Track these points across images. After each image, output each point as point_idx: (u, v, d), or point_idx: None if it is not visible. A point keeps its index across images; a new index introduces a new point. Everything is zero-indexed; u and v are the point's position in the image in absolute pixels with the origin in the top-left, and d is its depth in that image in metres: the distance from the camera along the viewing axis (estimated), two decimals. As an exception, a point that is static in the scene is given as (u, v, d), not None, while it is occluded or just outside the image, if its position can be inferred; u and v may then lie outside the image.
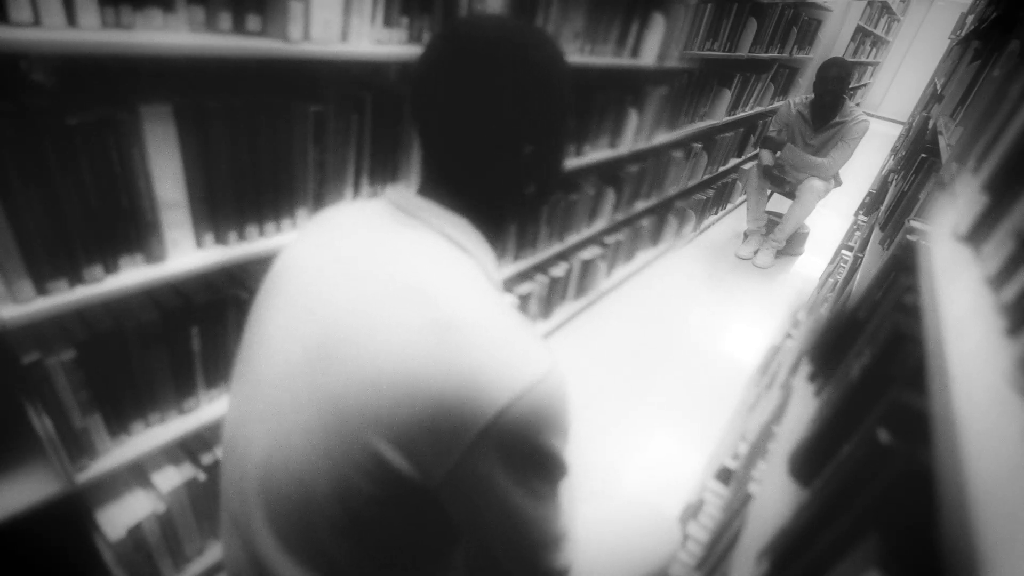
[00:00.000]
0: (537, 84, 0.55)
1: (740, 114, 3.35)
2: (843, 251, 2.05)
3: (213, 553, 1.11)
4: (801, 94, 3.34)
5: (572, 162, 1.82)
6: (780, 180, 3.08)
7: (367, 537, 0.52)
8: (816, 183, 2.96)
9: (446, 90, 0.53)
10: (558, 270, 2.09)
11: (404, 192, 0.60)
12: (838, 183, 3.18)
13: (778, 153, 3.22)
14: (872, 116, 10.64)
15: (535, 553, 0.55)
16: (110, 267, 0.78)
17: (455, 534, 0.58)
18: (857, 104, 9.08)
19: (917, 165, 1.35)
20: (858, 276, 1.24)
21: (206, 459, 1.03)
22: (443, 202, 0.59)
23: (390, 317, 0.49)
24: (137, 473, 0.99)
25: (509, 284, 1.90)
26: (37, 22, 0.63)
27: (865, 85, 9.20)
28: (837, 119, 2.91)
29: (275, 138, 0.90)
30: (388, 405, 0.47)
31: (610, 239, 2.44)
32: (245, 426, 0.58)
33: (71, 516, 0.90)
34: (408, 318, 0.48)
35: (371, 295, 0.51)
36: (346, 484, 0.50)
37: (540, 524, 0.54)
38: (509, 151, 0.57)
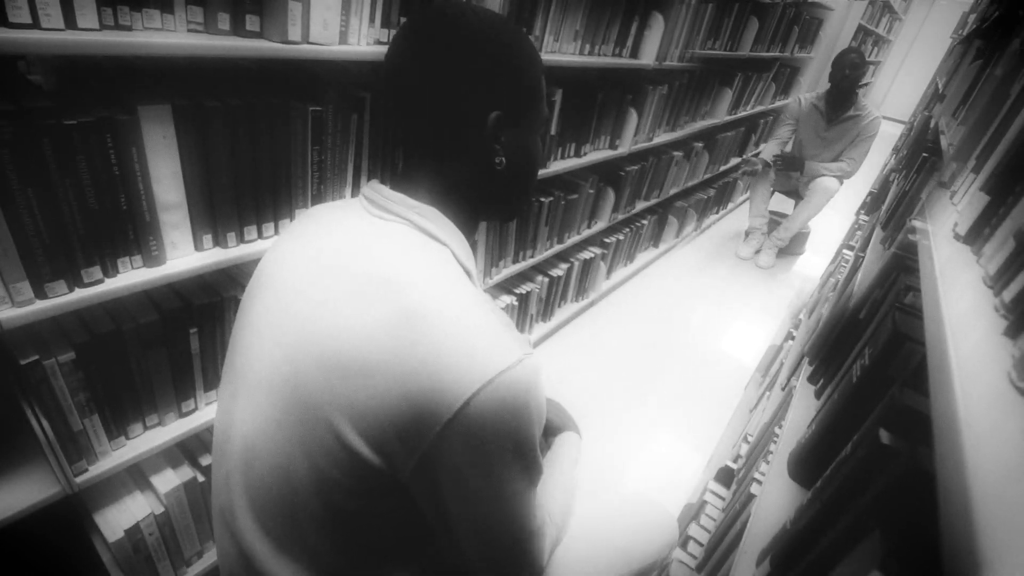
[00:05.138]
0: (489, 49, 0.56)
1: (741, 113, 3.35)
2: (844, 251, 2.04)
3: (211, 556, 1.11)
4: (808, 91, 3.33)
5: (572, 162, 1.81)
6: (793, 164, 3.05)
7: (348, 528, 0.53)
8: (831, 183, 2.95)
9: (404, 70, 0.56)
10: (558, 270, 2.08)
11: (377, 187, 0.61)
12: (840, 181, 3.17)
13: (786, 148, 3.20)
14: (873, 115, 10.59)
15: (505, 547, 0.55)
16: (109, 269, 0.78)
17: (432, 533, 0.58)
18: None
19: (919, 164, 1.35)
20: (859, 276, 1.24)
21: (205, 461, 1.03)
22: (414, 193, 0.60)
23: (357, 309, 0.49)
24: (135, 474, 0.99)
25: (509, 284, 1.90)
26: (36, 23, 0.63)
27: (867, 84, 9.18)
28: (851, 112, 2.91)
29: (274, 139, 0.90)
30: (355, 395, 0.47)
31: (610, 239, 2.44)
32: (230, 424, 0.59)
33: (69, 517, 0.90)
34: (375, 309, 0.49)
35: (341, 290, 0.52)
36: (322, 476, 0.50)
37: (510, 518, 0.54)
38: (473, 118, 0.57)
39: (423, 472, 0.48)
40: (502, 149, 0.60)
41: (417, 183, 0.60)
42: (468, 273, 0.59)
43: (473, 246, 0.66)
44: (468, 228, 0.64)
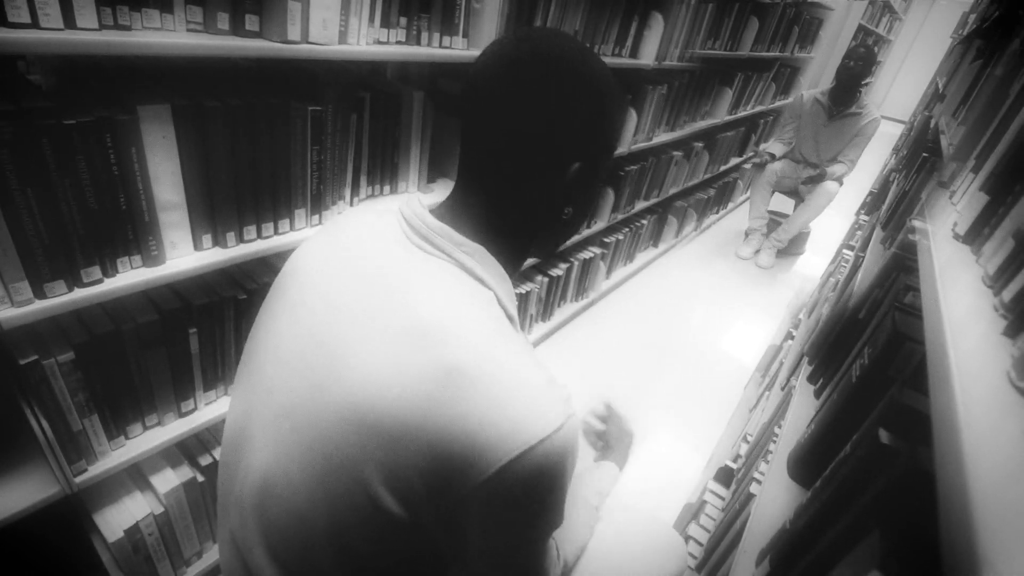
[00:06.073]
0: (593, 99, 0.53)
1: (741, 113, 3.35)
2: (844, 251, 2.04)
3: (211, 557, 1.11)
4: (810, 88, 3.35)
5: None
6: (815, 179, 3.06)
7: (362, 564, 0.52)
8: (831, 185, 2.97)
9: (505, 101, 0.52)
10: (557, 270, 2.08)
11: (418, 209, 0.56)
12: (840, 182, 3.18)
13: (790, 147, 3.21)
14: (873, 115, 10.59)
15: None
16: (108, 269, 0.78)
17: (448, 564, 0.58)
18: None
19: (919, 164, 1.35)
20: (859, 276, 1.24)
21: (204, 461, 1.03)
22: (460, 226, 0.56)
23: (395, 359, 0.47)
24: (135, 474, 0.99)
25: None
26: (35, 23, 0.63)
27: (868, 84, 9.18)
28: (853, 109, 2.93)
29: (273, 138, 0.90)
30: (388, 455, 0.46)
31: (610, 239, 2.44)
32: (245, 438, 0.57)
33: (69, 517, 0.90)
34: (413, 361, 0.46)
35: (378, 332, 0.49)
36: (342, 523, 0.49)
37: (531, 559, 0.54)
38: (558, 165, 0.54)
39: (446, 518, 0.48)
40: (574, 197, 0.58)
41: (466, 214, 0.56)
42: (511, 318, 0.56)
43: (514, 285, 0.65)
44: (513, 267, 0.60)
